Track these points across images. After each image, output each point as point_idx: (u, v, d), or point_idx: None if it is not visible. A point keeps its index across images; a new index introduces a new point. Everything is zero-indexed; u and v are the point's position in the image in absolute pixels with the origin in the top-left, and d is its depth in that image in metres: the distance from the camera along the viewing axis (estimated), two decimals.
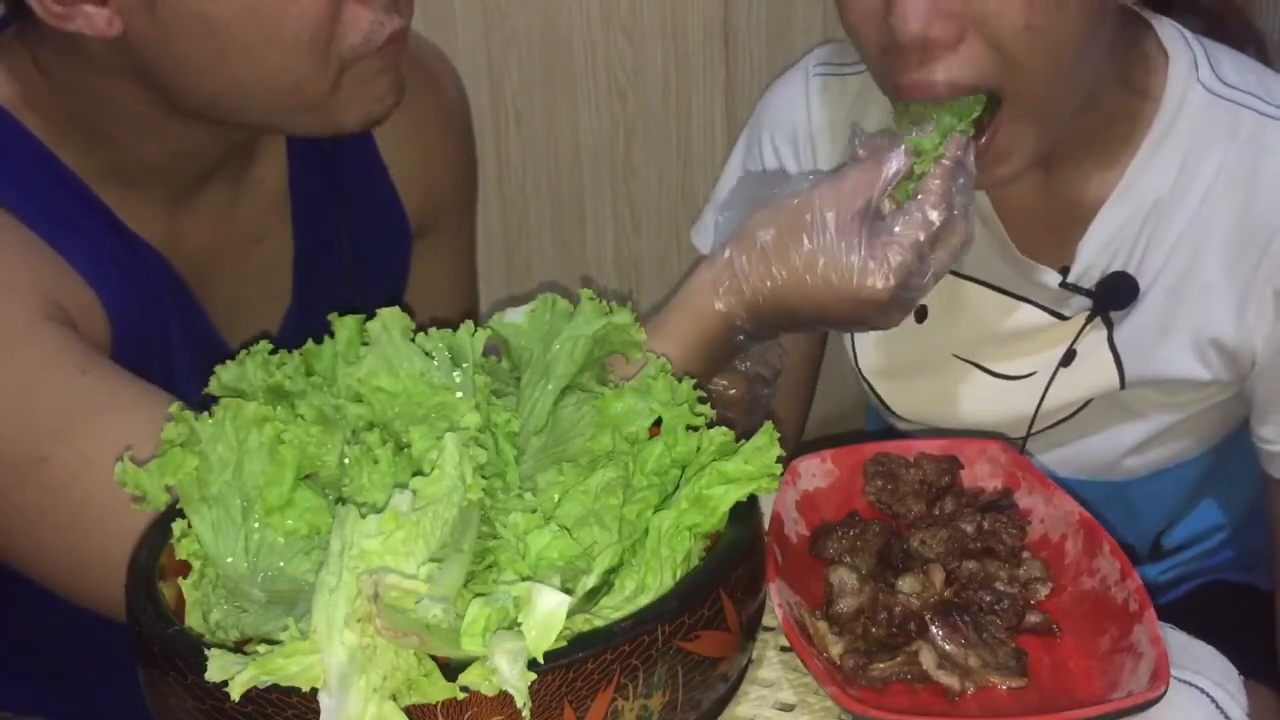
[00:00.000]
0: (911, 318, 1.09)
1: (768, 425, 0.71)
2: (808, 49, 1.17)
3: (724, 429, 0.71)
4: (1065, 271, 1.02)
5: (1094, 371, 1.04)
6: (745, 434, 0.71)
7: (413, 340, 0.73)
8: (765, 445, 0.70)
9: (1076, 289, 1.01)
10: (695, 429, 0.72)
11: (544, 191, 1.50)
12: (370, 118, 0.89)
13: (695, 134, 1.52)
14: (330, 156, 1.05)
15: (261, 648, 0.56)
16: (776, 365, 1.08)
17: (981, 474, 0.89)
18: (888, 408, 1.15)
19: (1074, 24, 0.87)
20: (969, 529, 0.81)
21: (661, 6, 1.45)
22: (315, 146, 1.03)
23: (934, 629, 0.74)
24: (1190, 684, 0.74)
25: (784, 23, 1.48)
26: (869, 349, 1.13)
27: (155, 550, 0.69)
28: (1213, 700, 0.73)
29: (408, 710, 0.56)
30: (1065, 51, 0.88)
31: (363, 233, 1.09)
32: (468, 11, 1.41)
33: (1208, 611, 1.11)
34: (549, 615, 0.56)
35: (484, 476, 0.63)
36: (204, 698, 0.59)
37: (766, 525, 0.79)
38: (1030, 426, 1.07)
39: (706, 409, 0.74)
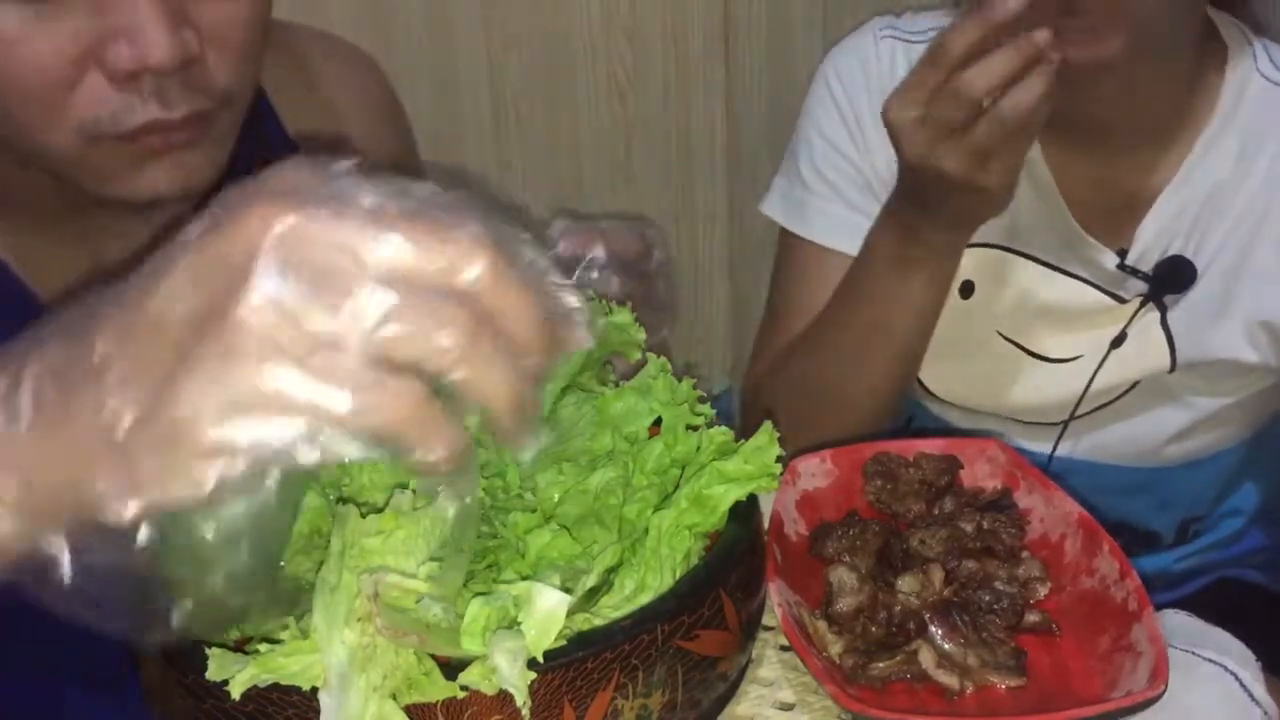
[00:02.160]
0: (957, 294, 1.10)
1: (767, 425, 0.71)
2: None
3: (724, 429, 0.71)
4: (1123, 254, 1.03)
5: (1145, 354, 1.05)
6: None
7: None
8: (765, 445, 0.70)
9: (1134, 271, 1.03)
10: (695, 429, 0.72)
11: (544, 192, 1.50)
12: (139, 197, 0.76)
13: (695, 134, 1.51)
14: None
15: (262, 647, 0.56)
16: (664, 251, 1.07)
17: (981, 474, 0.89)
18: (928, 391, 1.14)
19: None
20: (968, 528, 0.81)
21: (661, 7, 1.45)
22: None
23: (933, 628, 0.74)
24: (1214, 662, 0.74)
25: (784, 23, 1.47)
26: None
27: None
28: (1237, 678, 0.74)
29: (408, 709, 0.56)
30: None
31: None
32: (468, 12, 1.41)
33: (1218, 607, 1.11)
34: (549, 614, 0.56)
35: (484, 476, 0.63)
36: (204, 697, 0.59)
37: (766, 525, 0.79)
38: (1075, 409, 1.07)
39: (706, 409, 0.74)
